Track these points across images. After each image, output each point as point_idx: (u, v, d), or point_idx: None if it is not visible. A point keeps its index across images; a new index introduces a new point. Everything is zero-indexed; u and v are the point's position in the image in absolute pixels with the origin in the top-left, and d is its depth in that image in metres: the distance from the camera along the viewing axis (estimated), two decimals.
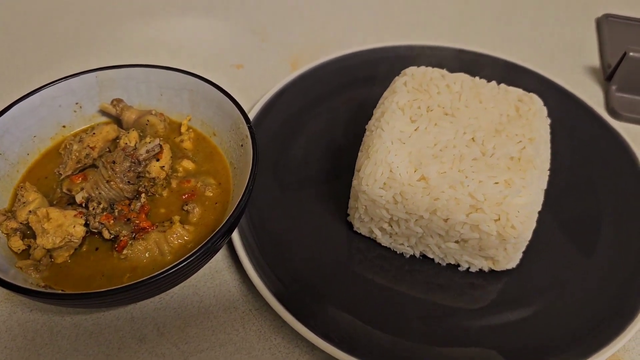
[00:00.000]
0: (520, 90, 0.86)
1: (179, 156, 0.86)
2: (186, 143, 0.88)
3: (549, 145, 0.82)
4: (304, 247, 0.84)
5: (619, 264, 0.82)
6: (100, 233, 0.75)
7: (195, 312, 0.82)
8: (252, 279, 0.79)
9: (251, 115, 0.97)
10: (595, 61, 1.21)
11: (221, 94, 0.84)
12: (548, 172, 0.80)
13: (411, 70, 0.88)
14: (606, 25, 1.25)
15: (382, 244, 0.86)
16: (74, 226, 0.73)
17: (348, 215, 0.87)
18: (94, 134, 0.85)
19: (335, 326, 0.75)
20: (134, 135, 0.84)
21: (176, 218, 0.78)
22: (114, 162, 0.77)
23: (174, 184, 0.83)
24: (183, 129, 0.89)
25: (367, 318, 0.76)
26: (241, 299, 0.83)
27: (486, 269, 0.82)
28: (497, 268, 0.81)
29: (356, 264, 0.84)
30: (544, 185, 0.79)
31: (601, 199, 0.90)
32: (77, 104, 0.89)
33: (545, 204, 0.80)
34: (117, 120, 0.90)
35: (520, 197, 0.73)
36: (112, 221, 0.75)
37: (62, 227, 0.73)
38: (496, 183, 0.74)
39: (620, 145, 0.96)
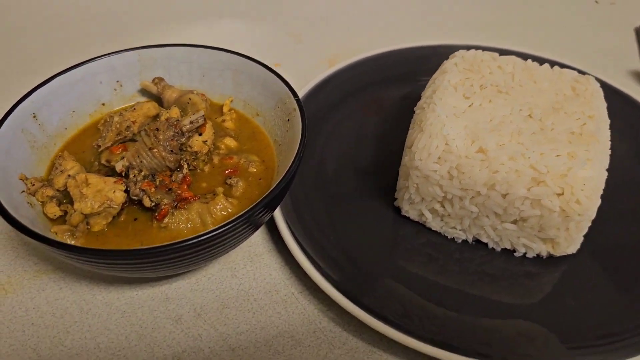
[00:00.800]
0: (574, 72, 0.83)
1: (221, 135, 0.83)
2: (228, 123, 0.85)
3: (608, 126, 0.78)
4: (349, 233, 0.80)
5: None
6: (140, 202, 0.72)
7: (234, 294, 0.77)
8: (297, 259, 0.74)
9: None
10: (637, 66, 1.19)
11: (267, 71, 0.82)
12: (609, 152, 0.76)
13: (460, 52, 0.86)
14: None
15: (432, 228, 0.81)
16: (114, 191, 0.70)
17: (396, 199, 0.84)
18: (134, 109, 0.83)
19: (385, 305, 0.70)
20: (175, 111, 0.81)
21: (219, 190, 0.74)
22: (157, 130, 0.74)
23: (215, 160, 0.80)
24: (225, 109, 0.87)
25: (415, 304, 0.72)
26: (283, 282, 0.78)
27: (544, 254, 0.77)
28: (557, 253, 0.76)
29: (402, 252, 0.80)
30: (607, 164, 0.75)
31: None
32: (117, 82, 0.87)
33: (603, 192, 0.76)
34: (158, 100, 0.88)
35: (586, 170, 0.69)
36: (153, 189, 0.72)
37: (101, 193, 0.70)
38: (558, 156, 0.70)
39: None
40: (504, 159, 0.70)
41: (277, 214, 0.79)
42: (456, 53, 0.86)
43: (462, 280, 0.76)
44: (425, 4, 1.45)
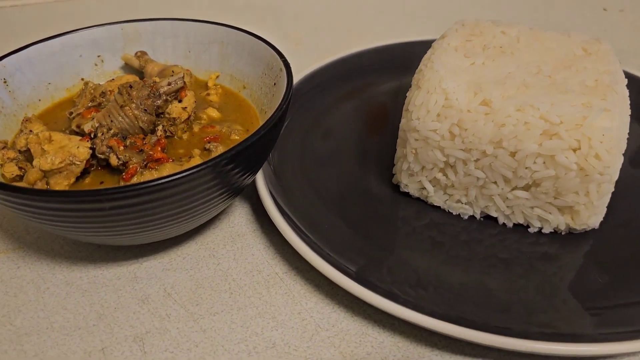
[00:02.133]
0: (585, 35, 0.77)
1: (204, 107, 0.77)
2: (213, 97, 0.80)
3: (624, 84, 0.70)
4: (344, 213, 0.72)
5: None
6: (109, 164, 0.65)
7: (210, 274, 0.68)
8: (283, 232, 0.65)
9: None
10: None
11: (253, 39, 0.78)
12: (629, 110, 0.68)
13: (461, 21, 0.80)
14: None
15: (435, 204, 0.73)
16: (78, 147, 0.63)
17: (394, 175, 0.76)
18: (113, 79, 0.78)
19: (388, 281, 0.61)
20: (162, 78, 0.76)
21: (196, 152, 0.68)
22: (130, 87, 0.68)
23: (196, 129, 0.73)
24: (210, 83, 0.81)
25: (421, 280, 0.62)
26: (266, 263, 0.69)
27: (563, 229, 0.68)
28: (577, 225, 0.67)
29: (403, 237, 0.71)
30: (627, 122, 0.66)
31: None
32: (99, 56, 0.82)
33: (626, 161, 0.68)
34: (140, 74, 0.83)
35: (604, 120, 0.61)
36: (122, 147, 0.65)
37: (64, 149, 0.63)
38: (572, 106, 0.62)
39: None
40: (511, 111, 0.62)
41: (263, 190, 0.71)
42: (457, 21, 0.81)
43: (471, 269, 0.66)
44: (430, 7, 1.42)
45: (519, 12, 1.39)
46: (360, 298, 0.58)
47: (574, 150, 0.61)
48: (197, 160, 0.66)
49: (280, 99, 0.65)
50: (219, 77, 0.83)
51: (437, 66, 0.69)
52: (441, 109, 0.65)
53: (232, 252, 0.71)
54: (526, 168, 0.64)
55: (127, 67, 0.84)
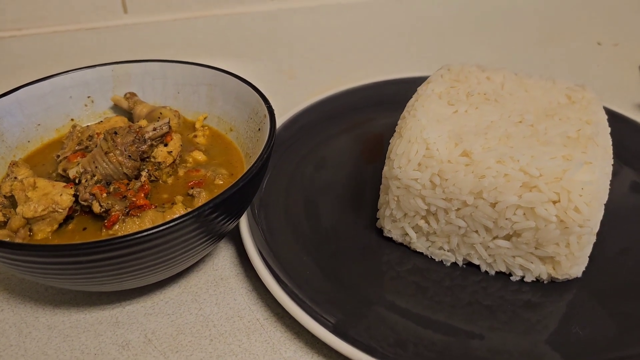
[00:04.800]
0: (569, 82, 0.77)
1: (191, 149, 0.78)
2: (200, 139, 0.80)
3: (608, 133, 0.71)
4: (327, 257, 0.72)
5: None
6: (91, 210, 0.65)
7: (192, 319, 0.68)
8: (262, 278, 0.66)
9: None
10: None
11: (240, 83, 0.78)
12: (612, 161, 0.68)
13: (447, 65, 0.81)
14: None
15: (417, 250, 0.73)
16: (61, 194, 0.64)
17: (377, 219, 0.76)
18: (101, 122, 0.79)
19: (368, 334, 0.61)
20: (143, 123, 0.77)
21: (179, 198, 0.68)
22: (115, 133, 0.69)
23: (181, 172, 0.74)
24: (197, 125, 0.82)
25: (404, 336, 0.62)
26: (248, 308, 0.70)
27: (545, 278, 0.68)
28: (559, 275, 0.66)
29: (387, 282, 0.71)
30: (609, 173, 0.67)
31: None
32: (89, 97, 0.84)
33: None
34: (129, 116, 0.84)
35: (583, 173, 0.61)
36: (104, 194, 0.65)
37: (47, 196, 0.64)
38: (552, 158, 0.62)
39: None
40: (491, 163, 0.63)
41: (246, 234, 0.71)
42: (443, 66, 0.81)
43: (455, 315, 0.66)
44: (424, 41, 1.43)
45: (514, 47, 1.40)
46: (339, 351, 0.58)
47: (554, 203, 0.61)
48: (179, 207, 0.66)
49: (262, 148, 0.65)
50: (207, 118, 0.84)
51: (420, 114, 0.69)
52: (422, 158, 0.66)
53: (215, 296, 0.71)
54: (506, 219, 0.64)
55: (117, 108, 0.85)
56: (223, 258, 0.77)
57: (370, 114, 0.99)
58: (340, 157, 0.90)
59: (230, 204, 0.62)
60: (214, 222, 0.61)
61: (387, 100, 1.00)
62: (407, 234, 0.72)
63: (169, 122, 0.73)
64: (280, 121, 0.92)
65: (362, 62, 1.32)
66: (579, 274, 0.68)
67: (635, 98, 1.14)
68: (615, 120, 0.89)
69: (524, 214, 0.63)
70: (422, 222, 0.70)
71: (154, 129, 0.72)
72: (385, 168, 0.71)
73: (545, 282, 0.68)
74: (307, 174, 0.85)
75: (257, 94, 0.75)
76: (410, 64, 1.31)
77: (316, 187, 0.83)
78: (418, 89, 0.78)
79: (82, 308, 0.69)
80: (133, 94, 0.84)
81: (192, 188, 0.70)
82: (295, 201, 0.79)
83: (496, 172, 0.62)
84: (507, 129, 0.67)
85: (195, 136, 0.81)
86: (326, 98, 1.00)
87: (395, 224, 0.72)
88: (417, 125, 0.68)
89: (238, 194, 0.61)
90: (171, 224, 0.55)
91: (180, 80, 0.84)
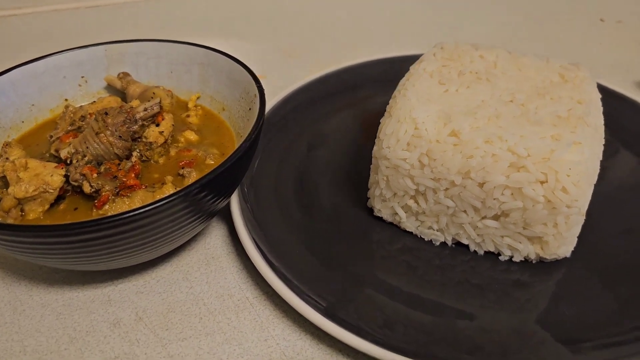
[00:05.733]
0: (563, 61, 0.76)
1: (183, 129, 0.78)
2: (192, 118, 0.80)
3: (601, 113, 0.70)
4: (317, 236, 0.72)
5: None
6: (82, 191, 0.66)
7: (182, 297, 0.69)
8: (250, 257, 0.67)
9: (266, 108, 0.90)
10: None
11: (232, 62, 0.78)
12: (603, 141, 0.68)
13: (440, 44, 0.80)
14: None
15: (407, 230, 0.73)
16: (52, 175, 0.65)
17: (368, 199, 0.76)
18: (94, 102, 0.79)
19: (356, 314, 0.61)
20: (135, 103, 0.77)
21: (169, 178, 0.68)
22: (106, 114, 0.69)
23: (172, 152, 0.74)
24: (190, 104, 0.82)
25: (394, 314, 0.63)
26: (238, 287, 0.70)
27: (533, 257, 0.68)
28: (547, 255, 0.66)
29: (378, 261, 0.71)
30: (600, 153, 0.66)
31: None
32: (82, 77, 0.84)
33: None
34: (123, 96, 0.84)
35: (571, 153, 0.60)
36: (95, 175, 0.66)
37: (38, 177, 0.64)
38: (541, 138, 0.62)
39: None
40: (479, 142, 0.62)
41: (236, 212, 0.72)
42: (436, 44, 0.80)
43: (446, 293, 0.66)
44: (426, 19, 1.41)
45: (515, 24, 1.38)
46: (327, 332, 0.59)
47: (541, 183, 0.61)
48: (169, 187, 0.67)
49: (251, 128, 0.65)
50: (200, 97, 0.84)
51: (410, 94, 0.69)
52: (411, 138, 0.65)
53: (206, 274, 0.72)
54: (494, 199, 0.63)
55: (111, 88, 0.85)
56: (215, 237, 0.77)
57: (368, 92, 0.99)
58: (335, 136, 0.90)
59: (217, 183, 0.62)
60: (202, 201, 0.61)
61: (385, 78, 0.98)
62: (396, 214, 0.72)
63: (160, 102, 0.73)
64: (275, 100, 0.92)
65: (363, 41, 1.31)
66: (568, 254, 0.68)
67: (638, 76, 1.12)
68: (614, 99, 0.89)
69: (512, 194, 0.63)
70: (411, 202, 0.70)
71: (145, 109, 0.72)
72: (374, 148, 0.70)
73: (533, 261, 0.68)
74: (300, 153, 0.85)
75: (248, 74, 0.75)
76: (411, 42, 1.30)
77: (309, 167, 0.83)
78: (411, 67, 0.77)
79: (75, 286, 0.70)
80: (126, 74, 0.84)
81: (182, 168, 0.70)
82: (286, 180, 0.80)
83: (484, 152, 0.62)
84: (497, 109, 0.66)
85: (188, 116, 0.81)
86: (323, 76, 0.99)
87: (385, 203, 0.72)
88: (406, 104, 0.67)
89: (226, 173, 0.61)
90: (158, 204, 0.56)
91: (173, 59, 0.84)
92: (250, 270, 0.72)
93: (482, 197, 0.64)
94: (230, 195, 0.71)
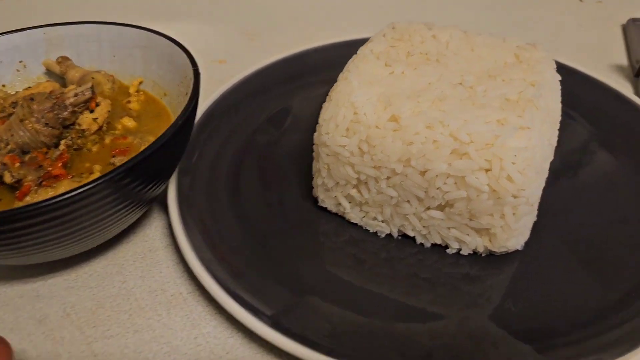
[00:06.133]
0: (520, 40, 0.71)
1: (121, 115, 0.74)
2: (133, 104, 0.76)
3: (558, 97, 0.65)
4: (259, 229, 0.68)
5: None
6: (1, 178, 0.62)
7: (114, 292, 0.66)
8: (182, 250, 0.63)
9: (215, 96, 0.85)
10: (624, 61, 1.06)
11: (173, 45, 0.74)
12: (558, 125, 0.63)
13: (393, 23, 0.76)
14: (633, 28, 1.12)
15: (352, 221, 0.69)
16: None
17: (313, 188, 0.72)
18: (29, 87, 0.76)
19: (288, 318, 0.57)
20: (70, 88, 0.73)
21: (96, 167, 0.65)
22: (32, 100, 0.66)
23: (107, 140, 0.70)
24: (132, 90, 0.78)
25: (329, 314, 0.59)
26: (172, 281, 0.67)
27: (482, 250, 0.64)
28: (496, 248, 0.63)
29: (323, 254, 0.68)
30: (554, 140, 0.62)
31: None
32: (21, 62, 0.80)
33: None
34: (62, 81, 0.80)
35: (517, 139, 0.56)
36: (17, 164, 0.62)
37: None
38: (487, 122, 0.58)
39: None
40: (420, 128, 0.58)
41: (172, 201, 0.68)
42: (388, 24, 0.76)
43: (395, 288, 0.63)
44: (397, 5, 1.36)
45: (490, 4, 1.32)
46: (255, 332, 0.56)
47: (485, 171, 0.57)
48: (96, 177, 0.63)
49: (179, 114, 0.61)
50: (143, 82, 0.80)
51: (352, 76, 0.65)
52: (350, 123, 0.61)
53: (141, 268, 0.69)
54: (437, 188, 0.59)
55: (52, 73, 0.81)
56: (155, 228, 0.74)
57: (326, 76, 0.94)
58: (285, 122, 0.86)
59: (143, 169, 0.58)
60: (127, 188, 0.58)
61: (345, 62, 0.95)
62: (340, 204, 0.68)
63: (91, 87, 0.69)
64: (227, 85, 0.88)
65: (330, 23, 1.26)
66: (519, 247, 0.64)
67: (616, 59, 1.07)
68: (574, 77, 0.85)
69: (455, 183, 0.59)
70: (354, 192, 0.66)
71: (76, 95, 0.68)
72: (315, 134, 0.66)
73: (482, 255, 0.65)
74: (246, 140, 0.81)
75: (187, 57, 0.71)
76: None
77: (254, 154, 0.79)
78: (359, 49, 0.73)
79: (3, 282, 0.67)
80: (66, 58, 0.80)
81: (113, 157, 0.67)
82: (229, 168, 0.76)
83: (425, 138, 0.58)
84: (443, 91, 0.62)
85: (129, 102, 0.77)
86: (280, 60, 0.95)
87: (328, 193, 0.68)
88: (346, 87, 0.63)
89: (151, 158, 0.58)
90: (74, 193, 0.52)
91: (115, 43, 0.80)
92: (186, 264, 0.69)
93: (425, 187, 0.60)
94: (163, 183, 0.67)
